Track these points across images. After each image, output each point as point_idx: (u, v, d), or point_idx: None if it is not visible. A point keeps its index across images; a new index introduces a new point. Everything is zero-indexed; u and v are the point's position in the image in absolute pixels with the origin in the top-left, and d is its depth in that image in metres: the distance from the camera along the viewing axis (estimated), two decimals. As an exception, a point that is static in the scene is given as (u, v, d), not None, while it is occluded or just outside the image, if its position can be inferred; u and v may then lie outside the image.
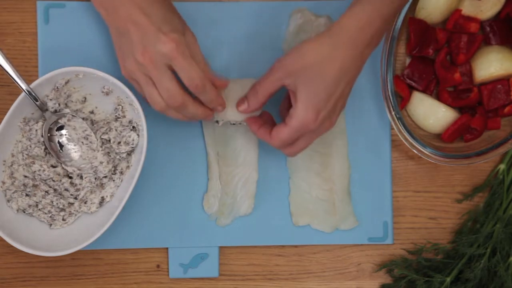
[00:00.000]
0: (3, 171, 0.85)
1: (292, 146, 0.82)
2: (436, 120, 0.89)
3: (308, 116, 0.77)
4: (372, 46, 0.79)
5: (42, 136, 0.86)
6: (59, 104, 0.86)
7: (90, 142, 0.87)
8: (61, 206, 0.86)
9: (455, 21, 0.88)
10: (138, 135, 0.86)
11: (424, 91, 0.90)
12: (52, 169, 0.86)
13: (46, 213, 0.86)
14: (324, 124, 0.79)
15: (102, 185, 0.87)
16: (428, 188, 0.93)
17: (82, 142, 0.87)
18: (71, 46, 0.89)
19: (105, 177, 0.87)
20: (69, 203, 0.87)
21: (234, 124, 0.85)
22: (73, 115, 0.86)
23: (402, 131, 0.87)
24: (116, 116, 0.87)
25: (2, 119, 0.83)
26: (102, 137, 0.86)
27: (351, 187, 0.91)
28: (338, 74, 0.77)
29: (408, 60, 0.91)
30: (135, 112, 0.85)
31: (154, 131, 0.89)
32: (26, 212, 0.85)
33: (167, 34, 0.76)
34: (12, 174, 0.85)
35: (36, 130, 0.85)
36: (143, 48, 0.76)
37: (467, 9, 0.88)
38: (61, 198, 0.86)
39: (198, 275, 0.91)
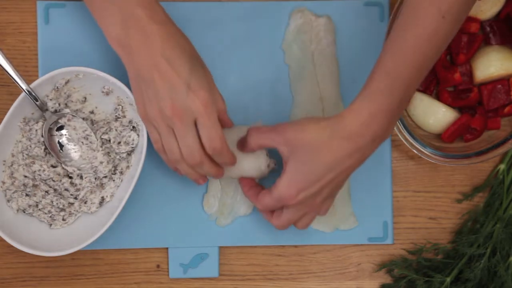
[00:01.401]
0: (3, 171, 0.85)
1: (277, 217, 0.81)
2: (436, 120, 0.89)
3: (288, 191, 0.77)
4: (377, 141, 0.76)
5: (42, 136, 0.86)
6: (59, 104, 0.86)
7: (90, 142, 0.87)
8: (61, 206, 0.86)
9: (455, 21, 0.88)
10: (138, 135, 0.86)
11: (424, 91, 0.90)
12: (52, 169, 0.86)
13: (46, 213, 0.86)
14: (306, 204, 0.78)
15: (102, 185, 0.87)
16: (428, 188, 0.93)
17: (82, 142, 0.87)
18: (71, 46, 0.89)
19: (105, 177, 0.87)
20: (69, 203, 0.87)
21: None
22: (73, 115, 0.86)
23: (402, 131, 0.87)
24: (116, 116, 0.87)
25: (2, 119, 0.83)
26: (102, 137, 0.86)
27: (351, 187, 0.91)
28: (330, 163, 0.75)
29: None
30: (135, 112, 0.85)
31: (154, 131, 0.89)
32: (26, 212, 0.86)
33: (196, 92, 0.75)
34: (12, 174, 0.85)
35: (36, 130, 0.85)
36: (172, 102, 0.75)
37: (467, 9, 0.88)
38: (61, 198, 0.86)
39: (198, 275, 0.91)
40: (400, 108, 0.76)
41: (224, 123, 0.81)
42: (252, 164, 0.83)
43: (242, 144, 0.82)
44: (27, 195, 0.85)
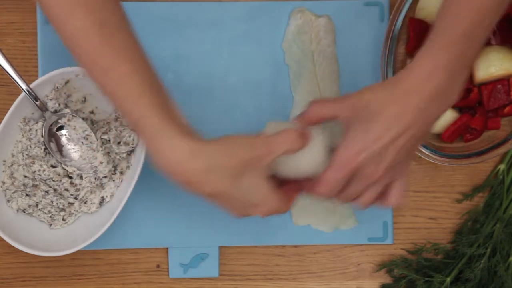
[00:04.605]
0: (3, 171, 0.85)
1: (341, 193, 0.76)
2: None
3: (348, 153, 0.72)
4: (438, 101, 0.72)
5: (42, 136, 0.86)
6: (59, 104, 0.86)
7: (90, 142, 0.87)
8: (61, 206, 0.86)
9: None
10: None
11: (424, 91, 0.90)
12: (52, 169, 0.86)
13: (46, 213, 0.86)
14: (369, 168, 0.73)
15: (102, 185, 0.87)
16: (428, 188, 0.93)
17: (82, 142, 0.87)
18: (71, 46, 0.89)
19: (105, 177, 0.87)
20: (69, 203, 0.87)
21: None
22: (73, 115, 0.86)
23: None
24: (116, 116, 0.87)
25: (2, 119, 0.83)
26: (102, 137, 0.86)
27: (351, 187, 0.91)
28: (388, 120, 0.71)
29: (408, 60, 0.91)
30: (135, 112, 0.85)
31: (154, 131, 0.89)
32: (26, 212, 0.86)
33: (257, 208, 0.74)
34: (12, 174, 0.85)
35: (36, 130, 0.85)
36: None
37: (467, 9, 0.88)
38: (61, 198, 0.86)
39: (198, 275, 0.91)
40: (462, 65, 0.72)
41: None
42: (309, 157, 0.76)
43: (298, 118, 0.77)
44: (27, 195, 0.85)
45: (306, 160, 0.75)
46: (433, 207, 0.93)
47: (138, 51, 0.72)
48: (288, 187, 0.77)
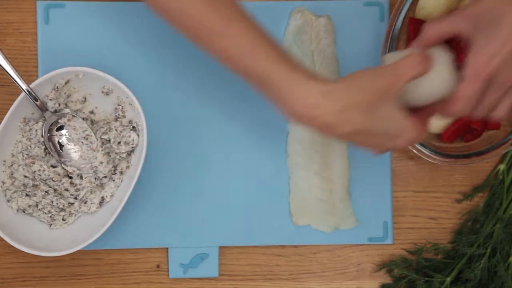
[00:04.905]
0: (3, 171, 0.85)
1: (474, 108, 0.75)
2: (436, 120, 0.88)
3: (480, 62, 0.71)
4: None
5: (42, 136, 0.86)
6: (59, 104, 0.86)
7: (90, 142, 0.87)
8: (61, 206, 0.86)
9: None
10: (138, 135, 0.86)
11: (424, 91, 0.90)
12: (52, 169, 0.86)
13: (46, 213, 0.86)
14: (503, 74, 0.72)
15: (102, 185, 0.87)
16: (428, 188, 0.93)
17: (82, 142, 0.87)
18: (71, 46, 0.89)
19: (105, 177, 0.87)
20: (69, 203, 0.87)
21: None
22: (73, 115, 0.86)
23: (402, 131, 0.87)
24: (116, 116, 0.87)
25: (2, 119, 0.83)
26: (102, 137, 0.87)
27: (351, 187, 0.91)
28: None
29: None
30: (135, 112, 0.85)
31: (154, 131, 0.89)
32: (26, 212, 0.86)
33: (400, 137, 0.74)
34: (12, 174, 0.85)
35: (36, 130, 0.85)
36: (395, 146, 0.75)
37: (467, 9, 0.88)
38: (61, 198, 0.86)
39: (198, 275, 0.91)
40: None
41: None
42: (436, 80, 0.74)
43: (417, 40, 0.76)
44: (27, 195, 0.85)
45: (434, 82, 0.74)
46: (433, 207, 0.93)
47: (244, 10, 0.73)
48: (420, 114, 0.76)
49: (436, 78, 0.74)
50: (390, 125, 0.72)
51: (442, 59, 0.74)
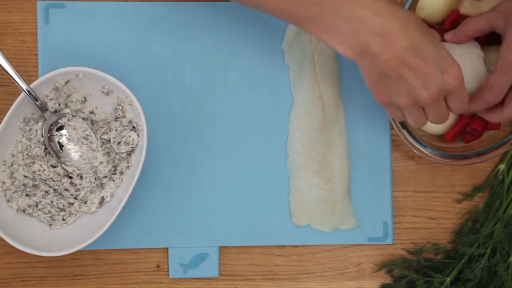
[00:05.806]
0: (3, 171, 0.85)
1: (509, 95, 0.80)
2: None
3: (509, 54, 0.77)
4: None
5: (42, 136, 0.86)
6: (59, 104, 0.86)
7: (90, 142, 0.87)
8: (61, 206, 0.86)
9: (453, 21, 0.88)
10: (138, 135, 0.86)
11: (424, 91, 0.90)
12: (52, 169, 0.86)
13: (46, 213, 0.86)
14: None
15: (102, 185, 0.87)
16: (428, 188, 0.93)
17: (82, 142, 0.87)
18: (71, 46, 0.89)
19: (105, 177, 0.87)
20: (69, 203, 0.87)
21: None
22: (73, 115, 0.86)
23: (402, 131, 0.87)
24: (116, 116, 0.87)
25: (2, 119, 0.83)
26: (102, 137, 0.87)
27: (351, 187, 0.91)
28: None
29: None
30: (135, 112, 0.85)
31: (154, 131, 0.89)
32: (26, 212, 0.86)
33: (448, 71, 0.73)
34: (12, 174, 0.85)
35: (36, 130, 0.85)
36: (427, 92, 0.73)
37: (466, 9, 0.88)
38: (61, 198, 0.86)
39: (198, 275, 0.91)
40: None
41: None
42: (470, 73, 0.81)
43: (455, 33, 0.81)
44: (27, 195, 0.85)
45: (469, 76, 0.81)
46: (433, 207, 0.93)
47: None
48: None
49: (470, 71, 0.81)
50: (443, 53, 0.74)
51: (476, 53, 0.82)
